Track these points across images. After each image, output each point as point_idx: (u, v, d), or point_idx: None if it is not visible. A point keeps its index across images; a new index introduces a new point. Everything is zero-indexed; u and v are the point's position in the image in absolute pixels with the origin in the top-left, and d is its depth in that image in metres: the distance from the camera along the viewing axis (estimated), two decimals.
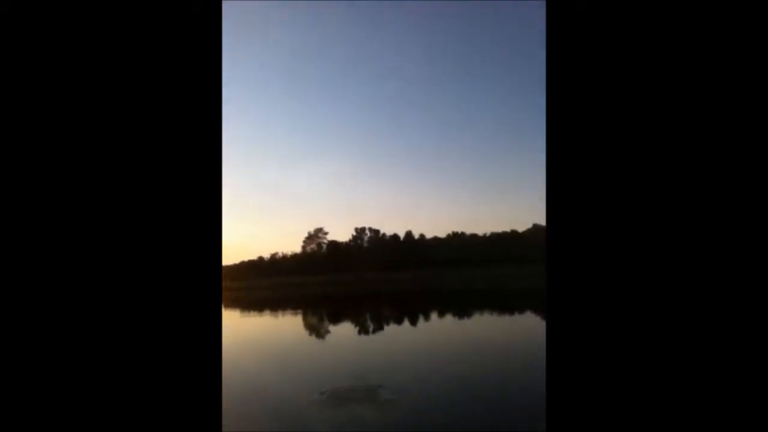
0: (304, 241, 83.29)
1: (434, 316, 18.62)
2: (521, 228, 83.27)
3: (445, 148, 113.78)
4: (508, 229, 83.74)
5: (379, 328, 15.58)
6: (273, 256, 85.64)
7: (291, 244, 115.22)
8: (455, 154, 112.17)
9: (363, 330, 14.81)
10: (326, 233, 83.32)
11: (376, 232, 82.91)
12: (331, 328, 16.30)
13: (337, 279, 58.15)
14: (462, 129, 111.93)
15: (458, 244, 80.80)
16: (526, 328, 13.75)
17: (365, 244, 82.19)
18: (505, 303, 23.22)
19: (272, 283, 60.74)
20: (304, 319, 19.41)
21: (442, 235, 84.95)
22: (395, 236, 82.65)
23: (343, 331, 15.04)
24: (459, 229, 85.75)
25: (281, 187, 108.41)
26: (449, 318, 17.89)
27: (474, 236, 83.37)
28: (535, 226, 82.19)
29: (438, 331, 14.19)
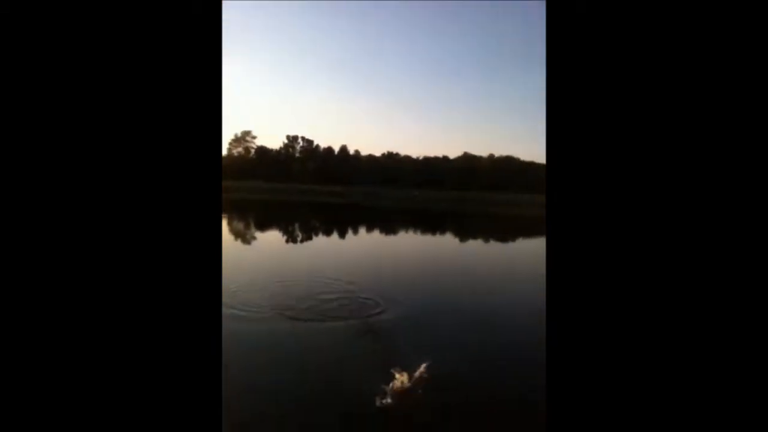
0: (230, 144, 78.26)
1: (362, 230, 19.11)
2: (452, 155, 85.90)
3: (393, 65, 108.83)
4: (440, 154, 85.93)
5: (307, 238, 15.71)
6: None
7: None
8: (401, 73, 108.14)
9: (291, 239, 14.81)
10: (254, 137, 78.87)
11: (309, 142, 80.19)
12: (258, 234, 16.07)
13: (266, 186, 56.43)
14: (415, 48, 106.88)
15: (392, 164, 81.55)
16: (445, 246, 14.86)
17: (297, 154, 79.54)
18: (428, 223, 24.48)
19: None
20: (230, 224, 18.85)
21: (377, 153, 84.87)
22: (329, 149, 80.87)
23: (270, 239, 14.92)
24: (394, 149, 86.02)
25: None
26: (376, 234, 18.52)
27: (408, 158, 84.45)
28: (465, 155, 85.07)
29: (365, 244, 14.68)
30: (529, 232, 20.53)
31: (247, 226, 18.42)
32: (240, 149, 78.18)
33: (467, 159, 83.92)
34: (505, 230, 22.02)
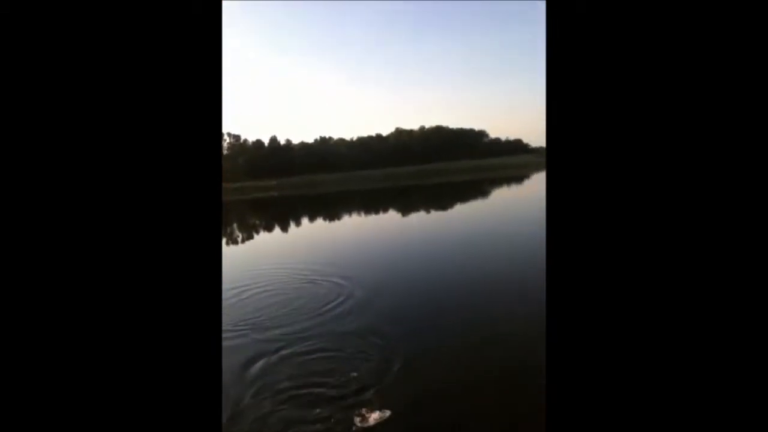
0: None
1: (305, 221, 18.82)
2: (385, 131, 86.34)
3: (315, 43, 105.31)
4: (373, 133, 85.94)
5: (248, 237, 15.23)
6: None
7: None
8: (327, 51, 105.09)
9: (231, 240, 14.21)
10: None
11: (236, 137, 76.44)
12: None
13: None
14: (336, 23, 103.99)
15: (326, 149, 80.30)
16: (394, 225, 15.03)
17: (225, 151, 75.63)
18: (371, 204, 24.58)
19: None
20: None
21: (309, 140, 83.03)
22: (259, 142, 77.74)
23: None
24: (326, 134, 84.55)
25: None
26: (320, 222, 18.34)
27: (342, 140, 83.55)
28: (397, 130, 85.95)
29: (306, 235, 14.48)
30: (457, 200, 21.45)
31: None
32: None
33: (399, 133, 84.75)
34: (443, 201, 22.71)
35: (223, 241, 14.46)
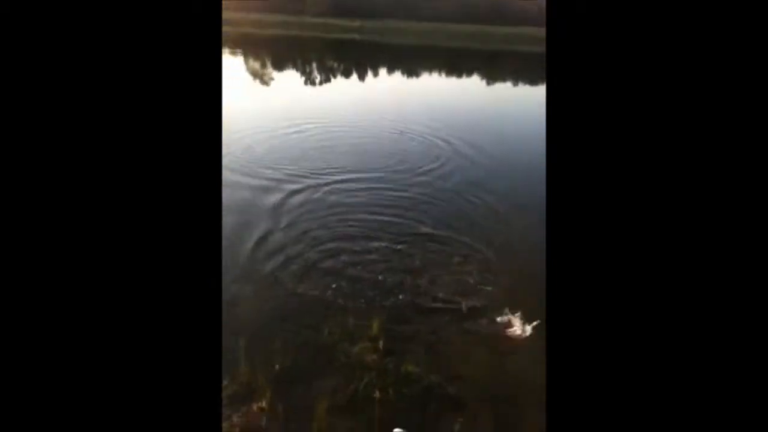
0: None
1: (383, 72, 18.27)
2: None
3: None
4: None
5: (326, 80, 15.21)
6: None
7: None
8: None
9: (309, 81, 14.38)
10: None
11: None
12: (275, 74, 15.57)
13: (276, 20, 51.53)
14: None
15: None
16: (469, 90, 14.33)
17: None
18: (454, 65, 22.99)
19: None
20: (246, 62, 18.04)
21: None
22: None
23: (288, 80, 14.53)
24: None
25: None
26: (397, 76, 17.75)
27: None
28: None
29: (383, 89, 14.24)
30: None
31: (263, 66, 17.67)
32: None
33: None
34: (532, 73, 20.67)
35: (302, 79, 14.63)
